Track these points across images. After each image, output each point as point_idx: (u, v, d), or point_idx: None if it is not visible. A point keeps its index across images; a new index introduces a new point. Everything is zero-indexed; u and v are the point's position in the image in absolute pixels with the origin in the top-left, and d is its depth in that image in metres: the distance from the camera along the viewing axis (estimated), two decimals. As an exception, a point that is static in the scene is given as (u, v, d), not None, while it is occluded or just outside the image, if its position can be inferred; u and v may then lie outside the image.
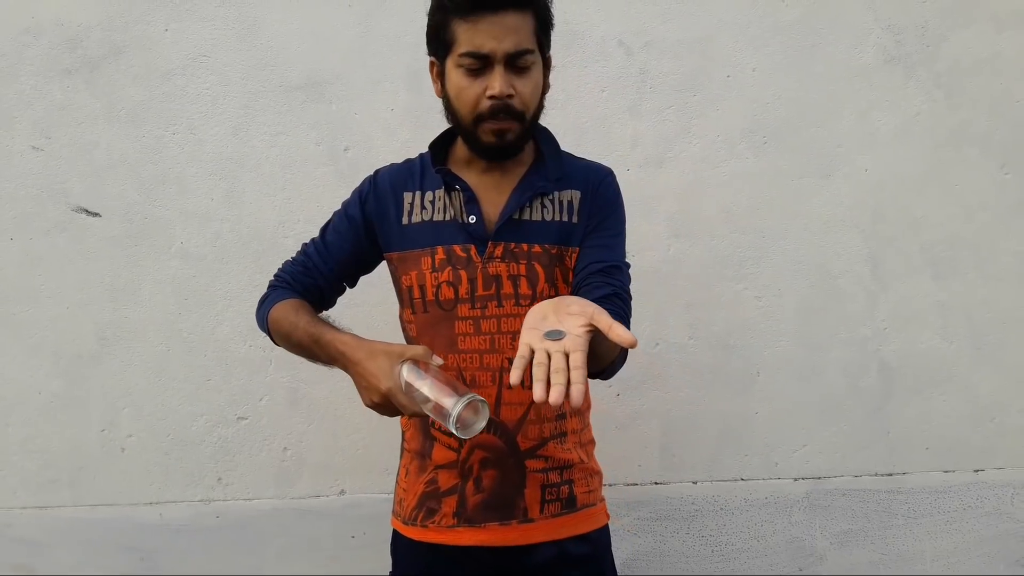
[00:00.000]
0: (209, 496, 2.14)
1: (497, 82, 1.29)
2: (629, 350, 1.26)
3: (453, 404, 1.13)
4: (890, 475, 2.22)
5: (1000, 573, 2.25)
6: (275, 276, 1.49)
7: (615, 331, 1.01)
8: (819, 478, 2.21)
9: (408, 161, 1.49)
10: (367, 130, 2.09)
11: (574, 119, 2.10)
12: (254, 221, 2.09)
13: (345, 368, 1.29)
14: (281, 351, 2.06)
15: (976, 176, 2.18)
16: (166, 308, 2.10)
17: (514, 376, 0.99)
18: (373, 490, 2.14)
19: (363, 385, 1.25)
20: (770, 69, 2.14)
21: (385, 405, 1.22)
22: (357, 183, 2.04)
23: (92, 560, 2.12)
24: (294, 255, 1.50)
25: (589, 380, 1.46)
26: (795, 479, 2.21)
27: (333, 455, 2.13)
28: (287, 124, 2.08)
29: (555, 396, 0.95)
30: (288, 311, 1.39)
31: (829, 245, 2.17)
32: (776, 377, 2.19)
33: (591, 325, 1.03)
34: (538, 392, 0.96)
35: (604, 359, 1.25)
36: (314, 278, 1.46)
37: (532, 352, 1.01)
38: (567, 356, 0.99)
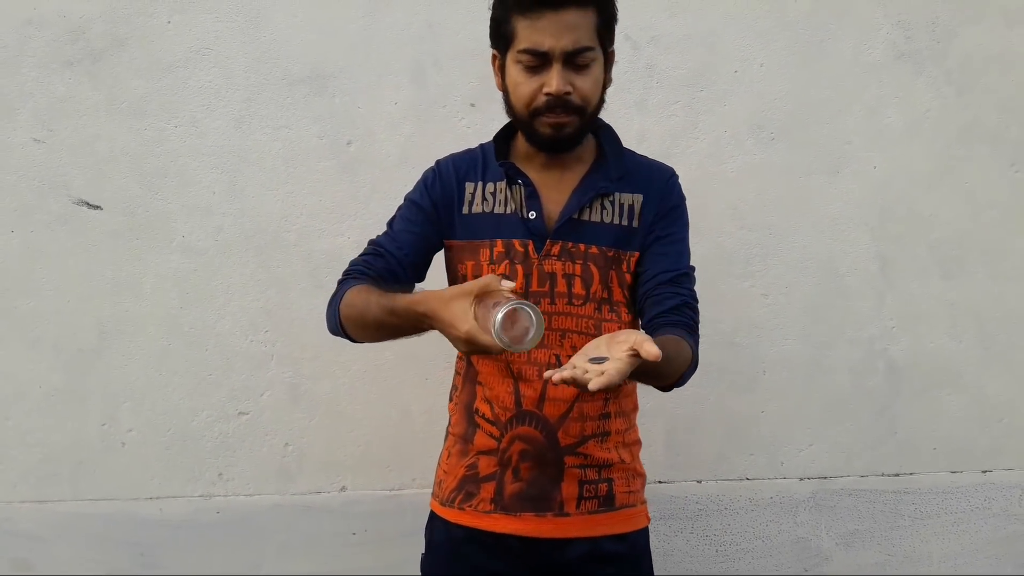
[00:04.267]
0: (210, 492, 2.12)
1: (555, 80, 1.28)
2: (699, 363, 1.39)
3: (495, 316, 1.09)
4: (897, 475, 2.20)
5: (1008, 575, 2.23)
6: (343, 274, 1.43)
7: (644, 348, 1.06)
8: (825, 478, 2.19)
9: (469, 151, 1.49)
10: (370, 124, 2.07)
11: (580, 114, 2.08)
12: (256, 215, 2.08)
13: (432, 326, 1.23)
14: (284, 346, 2.08)
15: (986, 174, 2.16)
16: (167, 302, 2.09)
17: (552, 375, 1.08)
18: (374, 487, 2.12)
19: (449, 336, 1.19)
20: (778, 65, 2.12)
21: (472, 350, 1.16)
22: (360, 177, 2.07)
23: (91, 555, 2.11)
24: (359, 253, 1.46)
25: (638, 383, 1.50)
26: (801, 479, 2.19)
27: (334, 451, 2.12)
28: (290, 117, 2.07)
29: (559, 376, 1.06)
30: (359, 293, 1.34)
31: (837, 243, 2.16)
32: (782, 376, 2.17)
33: (634, 350, 1.09)
34: (553, 375, 1.07)
35: (667, 377, 1.32)
36: (389, 262, 1.42)
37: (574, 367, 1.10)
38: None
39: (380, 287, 1.34)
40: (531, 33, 1.28)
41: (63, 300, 2.08)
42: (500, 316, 1.09)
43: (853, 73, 2.13)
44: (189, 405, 2.11)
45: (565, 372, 1.07)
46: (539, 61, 1.29)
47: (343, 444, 2.12)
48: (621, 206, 1.42)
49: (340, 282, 1.42)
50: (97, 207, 2.07)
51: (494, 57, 1.40)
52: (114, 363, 2.09)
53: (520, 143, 1.44)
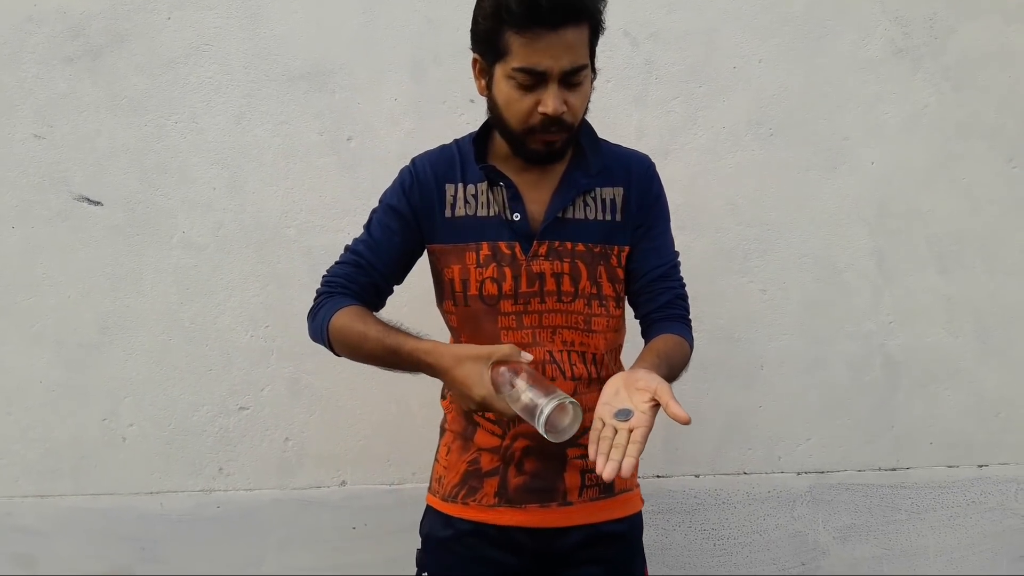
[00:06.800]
0: (210, 486, 2.13)
1: (551, 100, 1.26)
2: (692, 351, 1.44)
3: (543, 406, 1.12)
4: (894, 470, 2.21)
5: (1003, 570, 2.24)
6: (324, 283, 1.43)
7: (671, 408, 1.11)
8: (822, 472, 2.20)
9: (444, 148, 1.47)
10: (370, 120, 2.08)
11: (578, 110, 2.09)
12: (256, 211, 2.08)
13: (434, 376, 1.28)
14: (284, 342, 2.09)
15: (984, 169, 2.17)
16: (167, 298, 2.09)
17: (591, 451, 1.12)
18: (374, 481, 2.13)
19: (457, 393, 1.24)
20: (776, 60, 2.12)
21: (483, 410, 1.23)
22: (360, 173, 2.08)
23: (92, 549, 2.12)
24: (339, 258, 1.45)
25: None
26: (798, 473, 2.20)
27: (334, 446, 2.13)
28: (290, 113, 2.07)
29: (608, 471, 1.08)
30: (352, 319, 1.34)
31: (835, 238, 2.16)
32: (780, 371, 2.18)
33: (655, 400, 1.14)
34: (599, 464, 1.10)
35: (674, 380, 1.34)
36: (370, 275, 1.42)
37: (603, 424, 1.15)
38: (631, 432, 1.12)
39: (375, 317, 1.36)
40: (528, 53, 1.24)
41: (63, 296, 2.09)
42: (548, 411, 1.11)
43: (851, 69, 2.14)
44: (189, 400, 2.12)
45: (603, 449, 1.11)
46: (535, 80, 1.26)
47: (343, 439, 2.13)
48: (603, 201, 1.42)
49: (323, 294, 1.42)
50: (97, 203, 2.08)
51: (475, 61, 1.35)
52: (115, 358, 2.10)
53: (499, 143, 1.42)
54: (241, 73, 2.06)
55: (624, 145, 1.51)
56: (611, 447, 1.11)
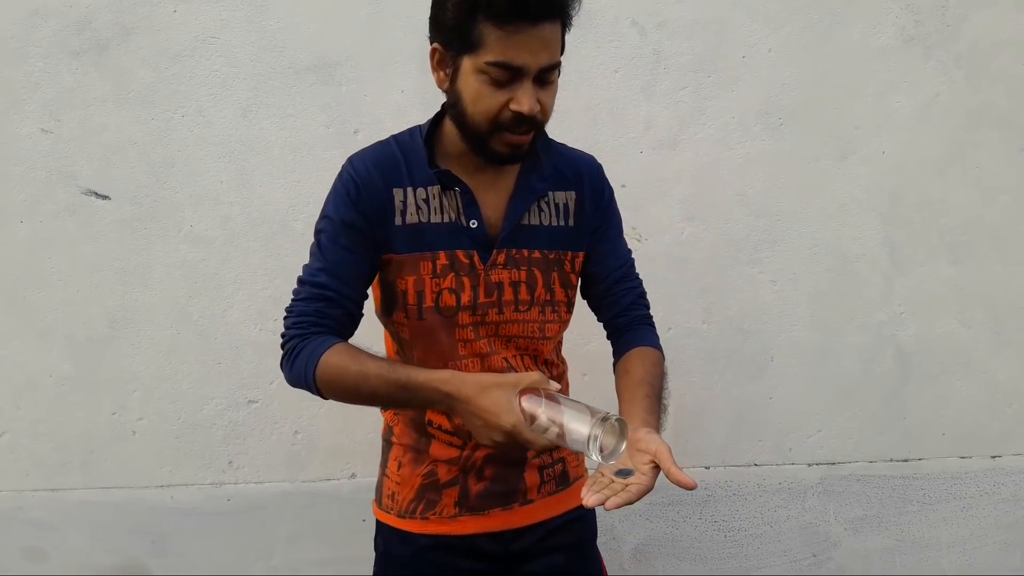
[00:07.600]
0: (220, 479, 2.13)
1: (526, 99, 1.18)
2: (666, 365, 1.41)
3: (590, 430, 1.06)
4: (906, 461, 2.20)
5: (1017, 561, 2.23)
6: (292, 324, 1.29)
7: (672, 475, 1.10)
8: (833, 464, 2.20)
9: (383, 147, 1.35)
10: (377, 112, 2.07)
11: (587, 101, 2.08)
12: (264, 204, 2.08)
13: (451, 409, 1.18)
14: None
15: (996, 159, 2.15)
16: (176, 291, 2.09)
17: (583, 491, 1.11)
18: (384, 474, 2.13)
19: (480, 424, 1.13)
20: (786, 49, 2.11)
21: (509, 442, 1.12)
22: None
23: (103, 543, 2.13)
24: (295, 294, 1.32)
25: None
26: (809, 464, 2.19)
27: (344, 439, 2.13)
28: (297, 106, 2.06)
29: (592, 500, 1.09)
30: (344, 360, 1.23)
31: (845, 229, 2.15)
32: (791, 362, 2.17)
33: (655, 462, 1.13)
34: (586, 499, 1.09)
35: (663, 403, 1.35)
36: (342, 305, 1.29)
37: (603, 475, 1.15)
38: (627, 485, 1.13)
39: (367, 352, 1.25)
40: (505, 47, 1.16)
41: (72, 290, 2.09)
42: (601, 437, 1.07)
43: (862, 58, 2.12)
44: (199, 393, 2.12)
45: (595, 489, 1.11)
46: (510, 76, 1.18)
47: (352, 431, 2.13)
48: (556, 206, 1.37)
49: (294, 336, 1.28)
50: (105, 197, 2.07)
51: (435, 51, 1.24)
52: (124, 352, 2.10)
53: (449, 141, 1.32)
54: (248, 66, 2.06)
55: (572, 146, 1.46)
56: (603, 489, 1.11)
